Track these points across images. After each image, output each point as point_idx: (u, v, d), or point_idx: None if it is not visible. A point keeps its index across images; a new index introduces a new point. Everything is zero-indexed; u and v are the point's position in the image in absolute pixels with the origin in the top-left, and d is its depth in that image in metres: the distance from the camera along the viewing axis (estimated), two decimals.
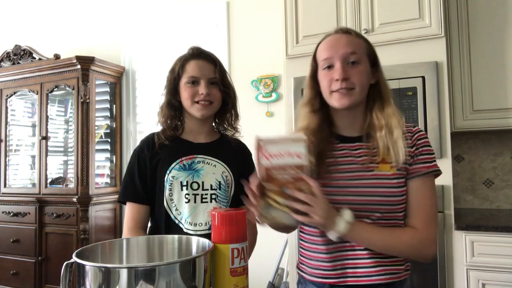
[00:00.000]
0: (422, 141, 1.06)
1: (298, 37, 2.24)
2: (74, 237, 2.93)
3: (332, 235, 0.96)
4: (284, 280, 2.19)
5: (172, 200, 1.25)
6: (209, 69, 1.29)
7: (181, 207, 1.24)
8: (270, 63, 2.76)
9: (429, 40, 1.97)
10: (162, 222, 1.25)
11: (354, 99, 1.03)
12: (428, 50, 1.97)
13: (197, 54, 1.31)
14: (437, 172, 1.06)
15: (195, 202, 1.24)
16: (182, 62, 1.30)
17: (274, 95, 2.74)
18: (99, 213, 3.06)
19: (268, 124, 2.75)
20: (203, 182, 1.26)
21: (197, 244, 0.86)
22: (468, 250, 1.87)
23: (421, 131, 1.08)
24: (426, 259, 1.03)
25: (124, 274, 0.65)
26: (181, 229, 1.23)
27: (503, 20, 2.13)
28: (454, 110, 2.18)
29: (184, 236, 0.91)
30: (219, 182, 1.27)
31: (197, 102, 1.27)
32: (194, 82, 1.27)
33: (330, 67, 1.05)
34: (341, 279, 1.04)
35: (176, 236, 0.91)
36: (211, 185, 1.26)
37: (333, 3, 2.16)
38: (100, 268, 0.67)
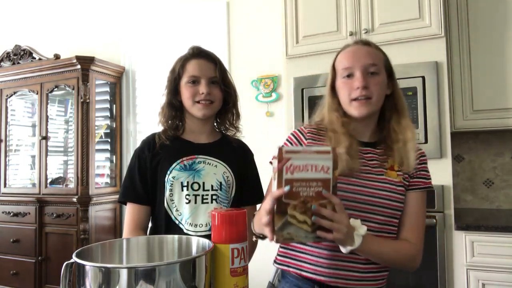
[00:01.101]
0: (424, 159, 1.14)
1: (298, 37, 2.24)
2: (74, 237, 2.93)
3: (345, 249, 0.95)
4: None
5: (172, 200, 1.24)
6: (210, 68, 1.29)
7: (181, 208, 1.24)
8: (270, 63, 2.76)
9: (429, 40, 1.97)
10: (162, 223, 1.25)
11: (371, 108, 1.08)
12: (428, 50, 1.97)
13: (197, 53, 1.30)
14: (432, 189, 1.15)
15: (195, 202, 1.24)
16: (183, 62, 1.30)
17: (274, 95, 2.74)
18: (99, 213, 3.06)
19: (268, 124, 2.75)
20: (203, 183, 1.25)
21: (197, 244, 0.86)
22: (468, 250, 1.87)
23: (423, 151, 1.15)
24: (412, 270, 1.10)
25: (124, 274, 0.65)
26: (181, 229, 1.22)
27: (503, 20, 2.13)
28: (454, 110, 2.18)
29: (184, 236, 0.91)
30: (220, 182, 1.27)
31: (198, 102, 1.26)
32: (194, 81, 1.27)
33: (350, 75, 1.09)
34: (332, 279, 1.05)
35: (176, 236, 0.91)
36: (212, 186, 1.26)
37: (333, 3, 2.16)
38: (100, 268, 0.67)
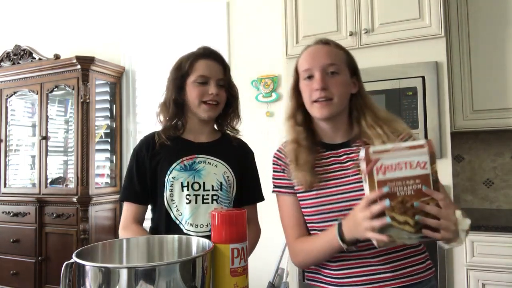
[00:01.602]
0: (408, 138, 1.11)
1: (298, 37, 2.24)
2: (74, 237, 2.93)
3: (449, 245, 0.87)
4: (284, 280, 2.19)
5: (173, 200, 1.24)
6: (219, 69, 1.28)
7: (182, 208, 1.23)
8: (270, 63, 2.76)
9: (429, 40, 1.97)
10: (162, 223, 1.24)
11: (333, 109, 1.05)
12: (428, 50, 1.97)
13: (208, 54, 1.29)
14: None
15: (196, 203, 1.23)
16: (192, 60, 1.27)
17: (274, 95, 2.74)
18: (99, 213, 3.06)
19: (268, 124, 2.75)
20: (204, 183, 1.25)
21: (197, 244, 0.86)
22: (468, 250, 1.87)
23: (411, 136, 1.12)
24: None
25: (124, 274, 0.65)
26: (181, 230, 1.22)
27: (503, 20, 2.13)
28: (454, 110, 2.18)
29: (184, 236, 0.91)
30: (221, 182, 1.26)
31: (205, 102, 1.25)
32: (203, 81, 1.26)
33: (310, 77, 1.07)
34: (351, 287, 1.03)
35: (176, 236, 0.91)
36: (212, 186, 1.25)
37: (333, 3, 2.16)
38: (100, 268, 0.67)
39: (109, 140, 3.30)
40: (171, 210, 1.24)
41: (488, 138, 2.40)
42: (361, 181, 1.00)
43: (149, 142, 1.30)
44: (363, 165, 0.83)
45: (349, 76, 1.09)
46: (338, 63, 1.07)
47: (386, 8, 2.05)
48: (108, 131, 3.30)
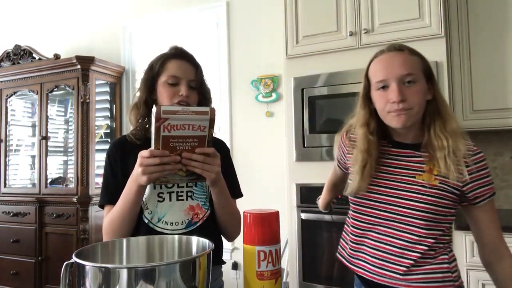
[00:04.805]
0: (482, 163, 1.05)
1: (298, 37, 2.24)
2: (74, 237, 2.93)
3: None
4: (284, 280, 2.19)
5: (145, 199, 1.21)
6: (190, 70, 1.25)
7: (152, 206, 1.21)
8: (270, 63, 2.76)
9: (429, 40, 1.97)
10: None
11: (410, 119, 1.03)
12: (428, 50, 1.95)
13: (180, 54, 1.26)
14: (495, 193, 1.08)
15: (170, 200, 1.22)
16: (163, 60, 1.25)
17: (274, 95, 2.74)
18: (99, 213, 3.05)
19: (268, 124, 2.75)
20: None
21: (197, 244, 0.86)
22: (468, 250, 1.87)
23: (480, 152, 1.06)
24: None
25: (124, 274, 0.65)
26: (152, 229, 1.17)
27: (503, 20, 2.13)
28: (454, 110, 2.18)
29: (184, 236, 0.90)
30: None
31: (176, 103, 1.22)
32: (174, 82, 1.23)
33: (385, 87, 1.04)
34: (355, 268, 1.11)
35: (176, 236, 0.91)
36: (186, 183, 1.24)
37: (333, 3, 2.16)
38: (100, 268, 0.67)
39: (109, 140, 3.30)
40: (143, 209, 1.21)
41: (488, 138, 2.40)
42: (414, 184, 1.05)
43: (120, 143, 1.26)
44: (154, 121, 0.92)
45: (425, 83, 1.05)
46: (415, 72, 1.02)
47: (386, 8, 2.05)
48: (108, 131, 3.30)
